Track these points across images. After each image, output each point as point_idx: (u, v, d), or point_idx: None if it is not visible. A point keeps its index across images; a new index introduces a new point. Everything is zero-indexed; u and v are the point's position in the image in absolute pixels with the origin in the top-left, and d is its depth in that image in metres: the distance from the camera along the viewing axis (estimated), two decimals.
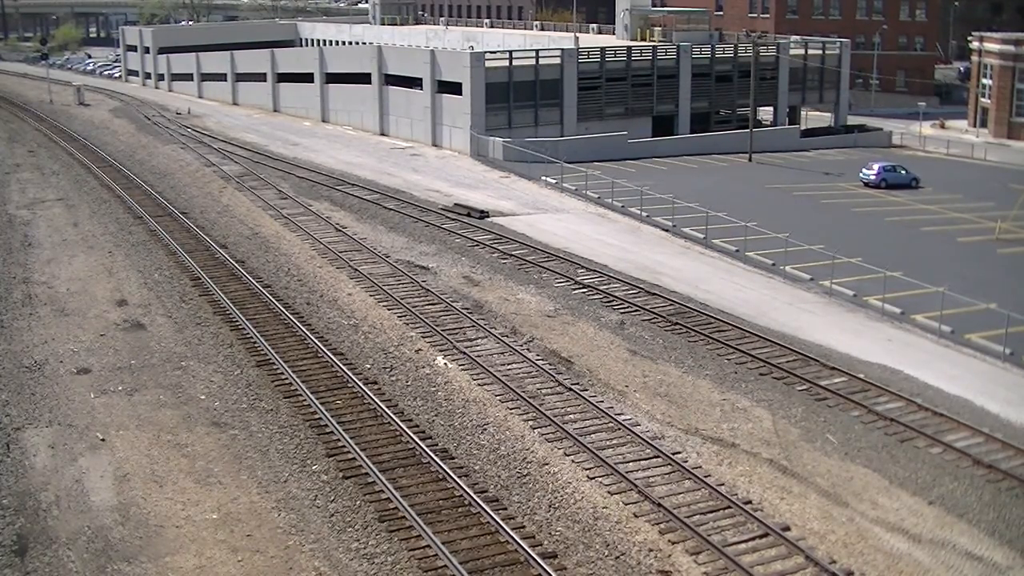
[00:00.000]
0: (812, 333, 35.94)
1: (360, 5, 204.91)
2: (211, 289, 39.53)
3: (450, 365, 32.11)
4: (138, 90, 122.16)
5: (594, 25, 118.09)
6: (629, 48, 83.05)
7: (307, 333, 34.48)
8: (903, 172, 65.76)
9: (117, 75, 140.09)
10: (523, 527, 22.93)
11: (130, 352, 33.38)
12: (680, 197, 53.22)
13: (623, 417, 28.32)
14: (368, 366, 32.26)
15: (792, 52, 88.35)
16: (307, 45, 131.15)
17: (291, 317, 36.07)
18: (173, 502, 23.83)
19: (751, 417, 28.90)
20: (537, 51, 78.23)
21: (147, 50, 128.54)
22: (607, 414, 28.38)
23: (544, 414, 28.28)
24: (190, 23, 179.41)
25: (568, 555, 21.97)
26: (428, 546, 21.89)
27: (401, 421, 27.80)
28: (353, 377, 30.74)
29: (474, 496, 23.76)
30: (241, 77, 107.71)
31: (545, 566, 21.08)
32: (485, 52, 78.52)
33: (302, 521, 23.05)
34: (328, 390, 30.00)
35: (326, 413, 28.18)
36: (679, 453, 26.38)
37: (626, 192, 56.83)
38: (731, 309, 38.30)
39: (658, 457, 26.01)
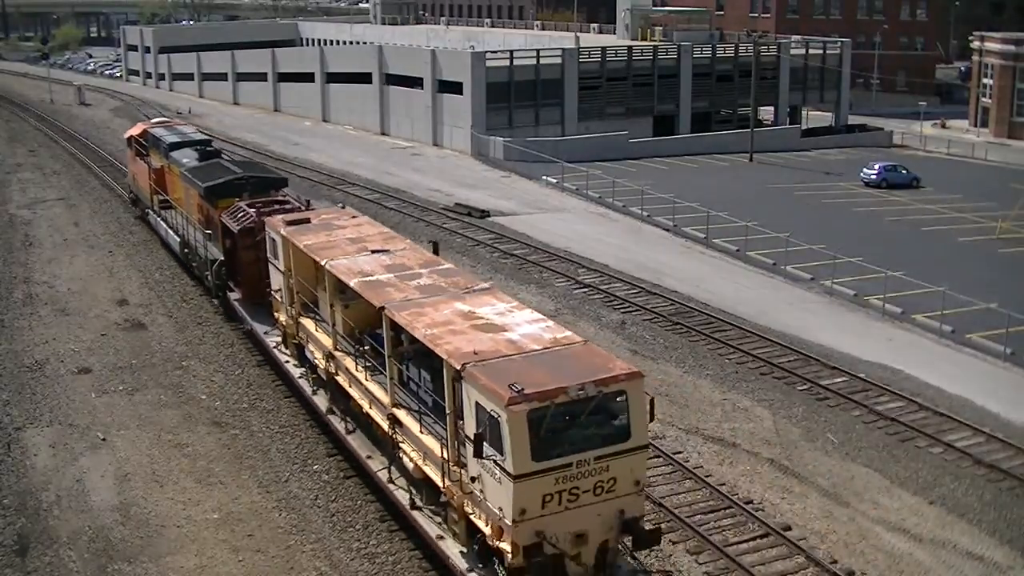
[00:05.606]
0: (813, 333, 35.94)
1: (361, 5, 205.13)
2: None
3: None
4: (139, 90, 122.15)
5: (595, 25, 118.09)
6: (630, 48, 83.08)
7: None
8: (904, 172, 65.80)
9: (118, 75, 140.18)
10: None
11: (131, 352, 33.36)
12: (681, 197, 53.21)
13: None
14: None
15: (793, 52, 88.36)
16: (308, 45, 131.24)
17: None
18: (174, 502, 23.81)
19: (752, 417, 28.89)
20: (538, 51, 78.26)
21: (148, 50, 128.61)
22: None
23: None
24: (191, 23, 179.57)
25: None
26: None
27: None
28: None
29: None
30: (242, 77, 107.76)
31: None
32: (486, 52, 78.53)
33: (303, 521, 23.04)
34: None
35: None
36: (680, 453, 26.37)
37: (627, 192, 56.83)
38: (732, 309, 38.29)
39: (659, 457, 25.98)
